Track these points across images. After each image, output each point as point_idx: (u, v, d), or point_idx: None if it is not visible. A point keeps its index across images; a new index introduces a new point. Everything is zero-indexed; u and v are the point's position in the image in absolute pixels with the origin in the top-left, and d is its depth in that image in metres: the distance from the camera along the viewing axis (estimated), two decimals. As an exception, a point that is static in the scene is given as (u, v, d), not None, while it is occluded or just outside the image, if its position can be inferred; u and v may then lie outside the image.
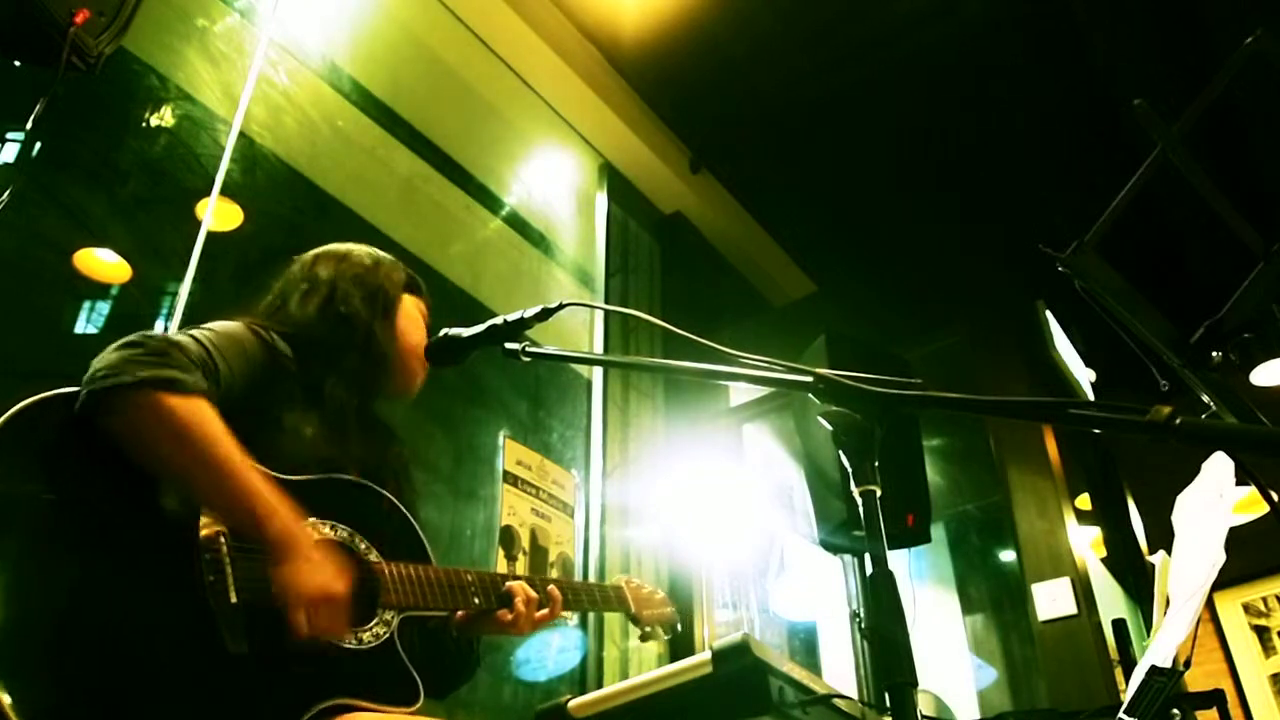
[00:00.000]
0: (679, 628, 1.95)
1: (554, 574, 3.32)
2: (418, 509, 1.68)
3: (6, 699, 1.03)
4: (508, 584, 1.63)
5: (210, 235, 2.60)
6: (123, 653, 1.15)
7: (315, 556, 1.31)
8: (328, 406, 1.53)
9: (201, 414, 1.30)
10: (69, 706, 1.09)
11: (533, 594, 1.65)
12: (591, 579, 3.51)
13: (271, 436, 1.40)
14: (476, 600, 1.57)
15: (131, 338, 1.32)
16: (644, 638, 1.88)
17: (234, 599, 1.25)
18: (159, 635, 1.19)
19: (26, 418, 1.22)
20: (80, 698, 1.10)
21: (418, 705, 1.39)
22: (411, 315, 1.76)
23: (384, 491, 1.55)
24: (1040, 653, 3.23)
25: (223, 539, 1.29)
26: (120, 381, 1.25)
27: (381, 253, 1.81)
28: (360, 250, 1.78)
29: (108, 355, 1.29)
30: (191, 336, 1.42)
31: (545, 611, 1.67)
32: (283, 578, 1.29)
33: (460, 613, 1.61)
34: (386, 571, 1.44)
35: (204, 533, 1.28)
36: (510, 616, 1.61)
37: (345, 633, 1.36)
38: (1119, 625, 2.69)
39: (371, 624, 1.40)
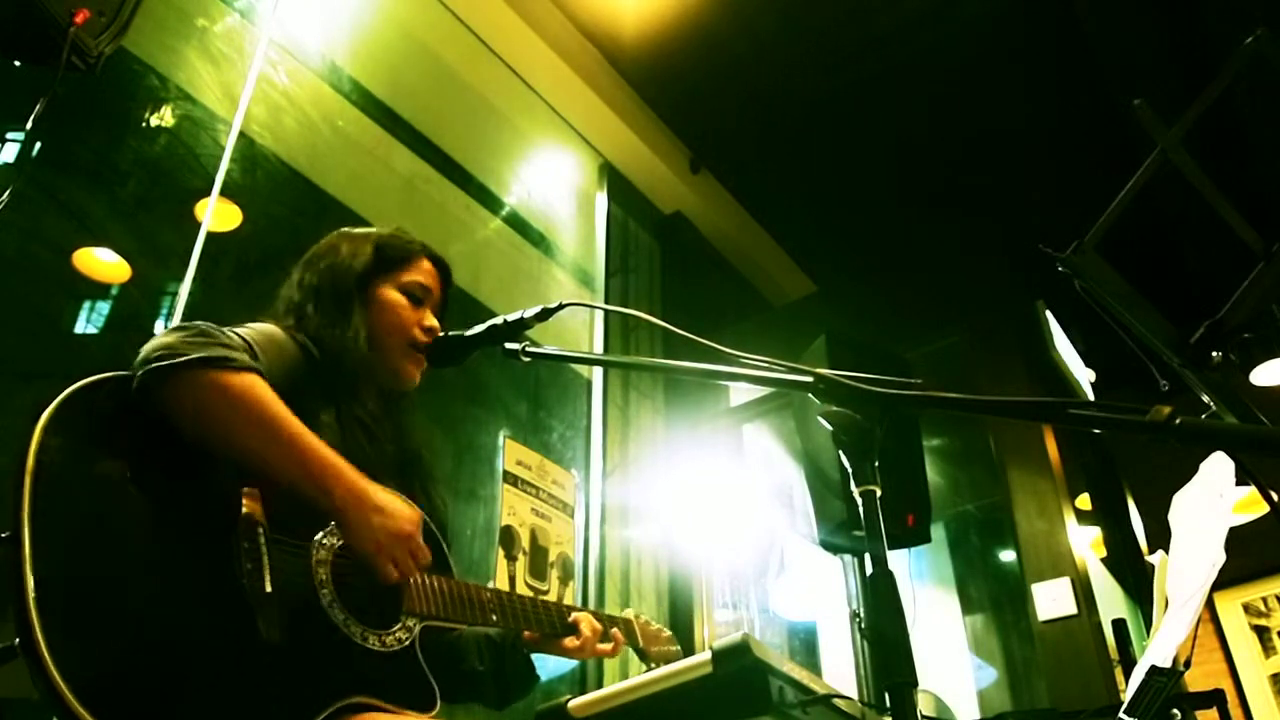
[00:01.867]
0: None
1: (554, 574, 3.32)
2: (447, 515, 1.69)
3: (51, 660, 1.06)
4: (574, 615, 1.70)
5: (210, 235, 2.60)
6: (163, 628, 1.18)
7: (382, 506, 1.36)
8: (352, 416, 1.54)
9: (257, 387, 1.33)
10: (108, 673, 1.11)
11: (598, 626, 1.72)
12: (592, 579, 3.51)
13: None
14: (494, 617, 1.59)
15: (178, 324, 1.36)
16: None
17: (269, 588, 1.27)
18: (197, 614, 1.21)
19: (82, 398, 1.26)
20: (119, 666, 1.13)
21: (434, 711, 1.40)
22: (386, 302, 1.66)
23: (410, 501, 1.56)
24: (1040, 653, 3.23)
25: (260, 529, 1.31)
26: (177, 360, 1.28)
27: (350, 238, 1.72)
28: (326, 251, 1.70)
29: (159, 339, 1.32)
30: (233, 330, 1.44)
31: (609, 646, 1.74)
32: (357, 535, 1.33)
33: (528, 634, 1.67)
34: (412, 580, 1.46)
35: (243, 519, 1.30)
36: (577, 644, 1.69)
37: (428, 561, 1.42)
38: (1119, 625, 2.69)
39: (394, 628, 1.42)
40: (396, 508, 1.37)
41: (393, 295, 1.67)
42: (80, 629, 1.11)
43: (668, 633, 1.99)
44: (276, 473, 1.32)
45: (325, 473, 1.32)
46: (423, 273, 1.72)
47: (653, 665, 1.91)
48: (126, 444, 1.27)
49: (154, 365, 1.27)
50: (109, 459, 1.24)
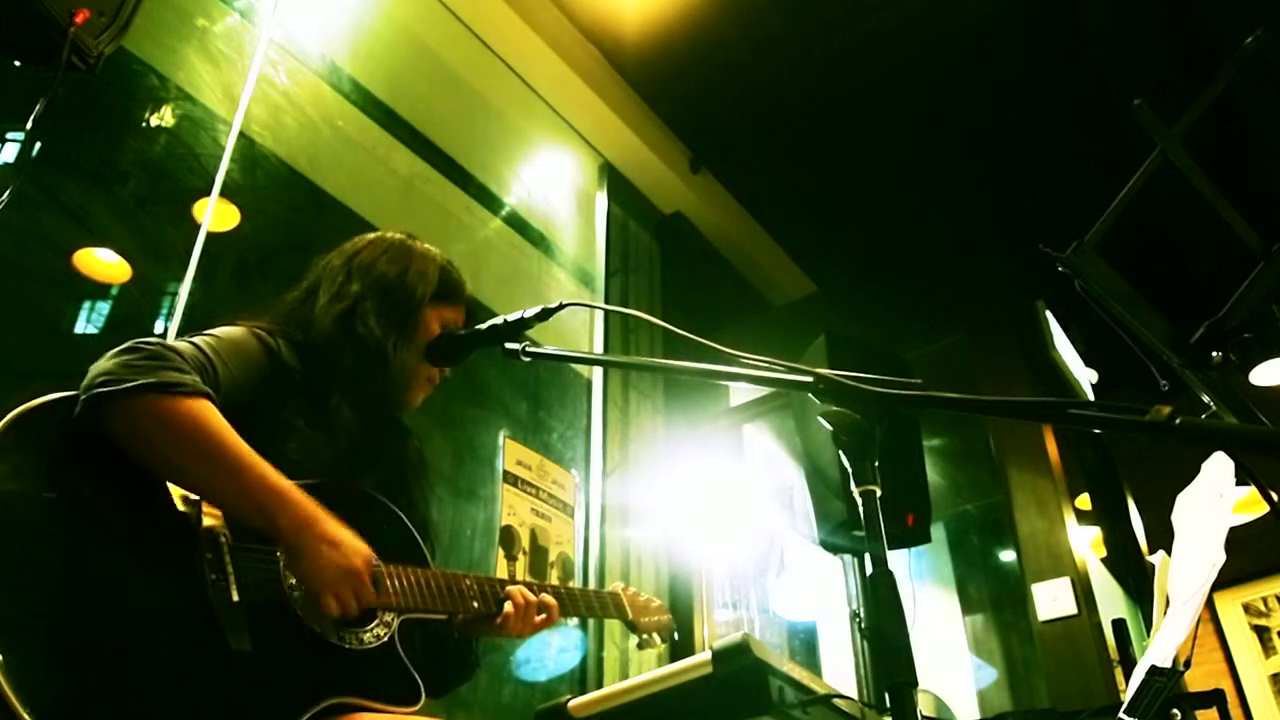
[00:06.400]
0: (676, 635, 1.96)
1: (554, 574, 3.32)
2: (430, 510, 1.69)
3: (12, 693, 1.03)
4: (506, 588, 1.64)
5: (210, 235, 2.60)
6: (127, 649, 1.15)
7: (332, 537, 1.33)
8: (334, 421, 1.53)
9: (203, 415, 1.30)
10: (74, 702, 1.09)
11: (531, 597, 1.65)
12: (591, 579, 3.51)
13: (273, 442, 1.40)
14: (475, 604, 1.57)
15: (127, 344, 1.33)
16: (641, 645, 1.90)
17: (236, 597, 1.26)
18: (163, 633, 1.19)
19: (29, 420, 1.23)
20: (85, 693, 1.11)
21: (418, 705, 1.39)
22: (429, 330, 1.69)
23: (382, 499, 1.56)
24: (1040, 653, 3.23)
25: (223, 538, 1.29)
26: (119, 388, 1.25)
27: (418, 253, 1.74)
28: (395, 252, 1.72)
29: (104, 363, 1.29)
30: (190, 342, 1.42)
31: (543, 617, 1.68)
32: (302, 566, 1.31)
33: (460, 616, 1.61)
34: (386, 574, 1.45)
35: (204, 531, 1.28)
36: (499, 620, 1.62)
37: (375, 601, 1.38)
38: (1119, 625, 2.69)
39: (372, 625, 1.41)
40: (346, 542, 1.35)
41: (435, 326, 1.71)
42: (39, 652, 1.09)
43: (657, 602, 1.96)
44: (222, 501, 1.31)
45: (272, 502, 1.30)
46: (460, 313, 1.76)
47: (643, 637, 1.90)
48: (81, 464, 1.24)
49: (95, 392, 1.25)
50: (63, 480, 1.21)
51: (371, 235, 1.77)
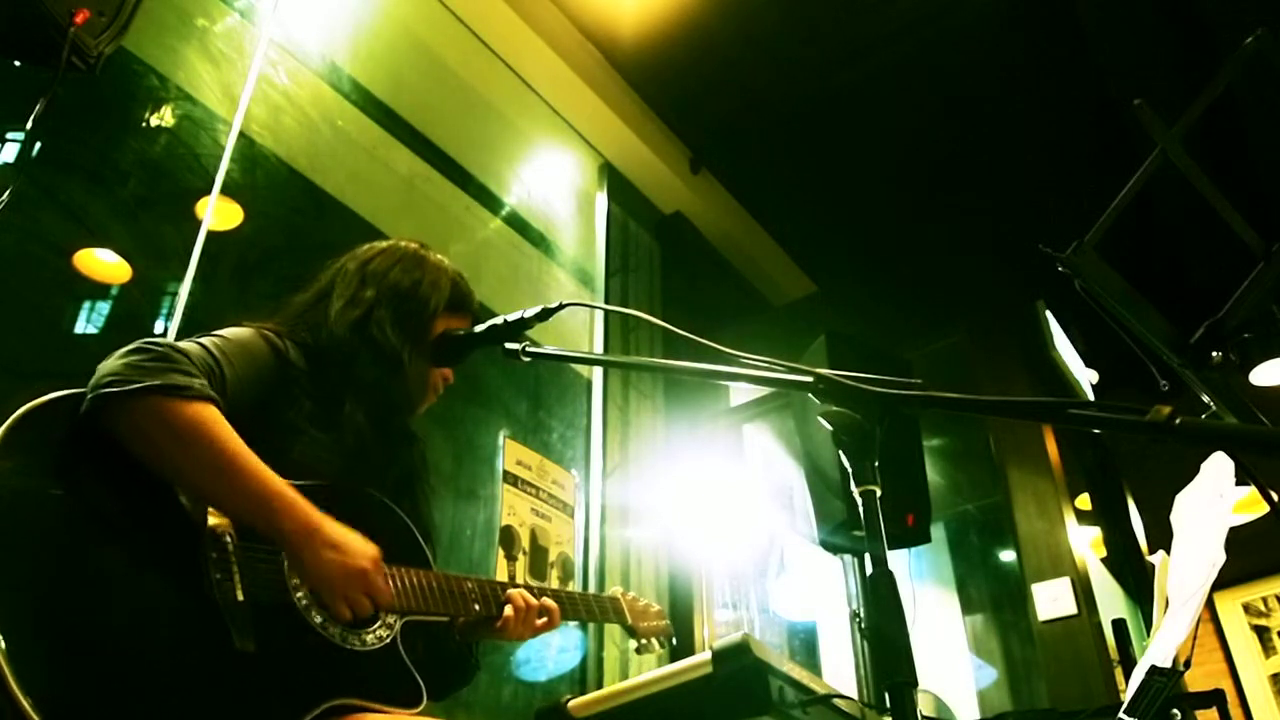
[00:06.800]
0: (674, 640, 1.97)
1: (554, 574, 3.32)
2: (431, 513, 1.70)
3: (19, 690, 1.03)
4: (507, 591, 1.65)
5: (210, 235, 2.60)
6: (130, 646, 1.16)
7: (336, 540, 1.33)
8: (346, 425, 1.53)
9: (208, 418, 1.30)
10: (79, 699, 1.10)
11: (532, 601, 1.66)
12: (591, 579, 3.51)
13: (281, 444, 1.40)
14: (476, 607, 1.58)
15: (135, 344, 1.33)
16: (640, 650, 1.91)
17: (240, 597, 1.26)
18: (167, 630, 1.20)
19: (36, 418, 1.23)
20: (90, 691, 1.11)
21: (421, 707, 1.40)
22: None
23: (387, 501, 1.56)
24: (1040, 653, 3.23)
25: (228, 537, 1.30)
26: (125, 389, 1.25)
27: (434, 264, 1.76)
28: (409, 262, 1.74)
29: (112, 362, 1.29)
30: (197, 343, 1.42)
31: (544, 620, 1.69)
32: (310, 571, 1.31)
33: (460, 618, 1.62)
34: (389, 575, 1.45)
35: (210, 530, 1.29)
36: (500, 623, 1.63)
37: (390, 600, 1.39)
38: (1119, 625, 2.68)
39: (375, 626, 1.41)
40: (352, 544, 1.35)
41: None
42: (43, 645, 1.09)
43: (656, 608, 1.98)
44: (225, 507, 1.31)
45: (275, 508, 1.30)
46: (468, 324, 1.77)
47: (642, 642, 1.91)
48: (87, 462, 1.24)
49: (101, 392, 1.25)
50: (68, 479, 1.21)
51: (384, 243, 1.79)
